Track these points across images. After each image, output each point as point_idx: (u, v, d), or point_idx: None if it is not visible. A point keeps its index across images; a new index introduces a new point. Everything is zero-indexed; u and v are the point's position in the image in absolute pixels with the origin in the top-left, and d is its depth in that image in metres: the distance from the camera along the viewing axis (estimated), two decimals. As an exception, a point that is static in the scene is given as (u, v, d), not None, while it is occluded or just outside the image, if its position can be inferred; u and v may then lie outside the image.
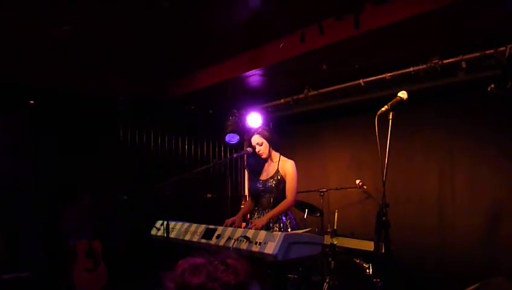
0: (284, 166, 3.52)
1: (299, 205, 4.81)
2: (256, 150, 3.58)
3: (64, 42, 4.13)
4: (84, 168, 5.18)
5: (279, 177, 3.51)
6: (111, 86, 5.36)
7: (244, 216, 3.78)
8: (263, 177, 3.60)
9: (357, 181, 5.02)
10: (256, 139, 3.60)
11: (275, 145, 3.62)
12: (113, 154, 5.54)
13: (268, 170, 3.59)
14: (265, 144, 3.57)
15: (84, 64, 4.90)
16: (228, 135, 5.68)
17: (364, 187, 5.01)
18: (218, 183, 6.34)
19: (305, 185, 5.44)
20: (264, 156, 3.58)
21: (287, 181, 3.49)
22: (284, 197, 3.47)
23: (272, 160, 3.62)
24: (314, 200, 4.98)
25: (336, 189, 5.00)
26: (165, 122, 5.94)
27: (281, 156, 3.60)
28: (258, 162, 3.66)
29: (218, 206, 6.04)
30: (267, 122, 5.87)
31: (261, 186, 3.59)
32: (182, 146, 6.20)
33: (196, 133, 6.27)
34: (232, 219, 3.62)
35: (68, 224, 4.91)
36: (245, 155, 3.81)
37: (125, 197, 5.34)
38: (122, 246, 5.29)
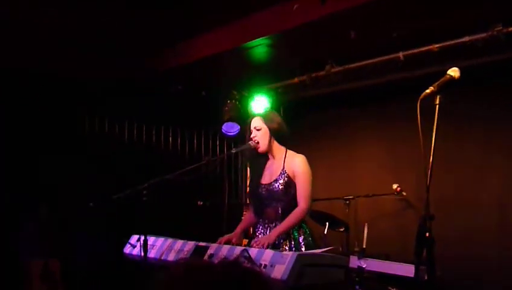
0: (292, 163, 3.48)
1: (318, 216, 4.82)
2: (252, 135, 3.56)
3: (19, 12, 4.17)
4: (39, 168, 5.20)
5: (286, 178, 3.46)
6: (75, 65, 5.36)
7: (247, 231, 3.77)
8: (265, 180, 3.56)
9: (394, 186, 5.01)
10: (256, 122, 3.56)
11: (279, 136, 3.56)
12: (77, 151, 5.57)
13: (272, 170, 3.55)
14: (265, 130, 3.52)
15: (42, 38, 4.91)
16: (226, 124, 5.72)
17: (403, 193, 5.00)
18: (213, 187, 6.36)
19: (326, 190, 5.43)
20: (259, 147, 3.54)
21: (297, 183, 3.44)
22: (295, 206, 3.45)
23: (273, 156, 3.56)
24: (337, 210, 5.00)
25: (366, 196, 5.01)
26: (143, 108, 5.96)
27: (288, 151, 3.57)
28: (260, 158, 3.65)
29: (212, 217, 6.04)
30: (276, 108, 5.86)
31: (264, 192, 3.56)
32: (165, 139, 6.23)
33: (184, 122, 6.28)
34: (227, 236, 3.58)
35: (20, 240, 4.95)
36: (247, 150, 3.80)
37: (91, 205, 5.36)
38: (86, 267, 5.32)
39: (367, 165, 5.68)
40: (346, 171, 5.82)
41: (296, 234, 3.47)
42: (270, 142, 3.54)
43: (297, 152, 3.60)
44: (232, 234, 3.62)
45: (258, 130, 3.54)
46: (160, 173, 3.47)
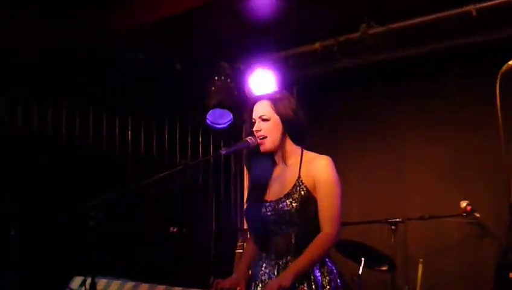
0: (312, 168, 3.42)
1: (349, 248, 4.83)
2: (255, 127, 3.52)
3: None
4: None
5: (303, 192, 3.40)
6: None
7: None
8: (272, 195, 3.50)
9: (462, 204, 4.97)
10: (261, 108, 3.50)
11: (295, 131, 3.56)
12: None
13: (282, 181, 3.53)
14: (275, 121, 3.48)
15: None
16: (212, 111, 5.74)
17: (476, 215, 4.97)
18: (193, 205, 6.37)
19: (361, 211, 5.50)
20: (265, 144, 3.52)
21: (319, 197, 3.42)
22: (317, 231, 3.46)
23: (284, 160, 3.53)
24: (378, 239, 5.02)
25: (421, 219, 4.99)
26: (89, 90, 5.94)
27: (305, 151, 3.56)
28: (265, 161, 3.64)
29: (192, 249, 6.04)
30: (288, 87, 5.76)
31: (269, 212, 3.52)
32: (121, 133, 6.21)
33: (149, 109, 6.29)
34: (231, 279, 3.58)
35: None
36: (244, 150, 3.79)
37: (12, 234, 5.37)
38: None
39: (421, 173, 5.68)
40: (391, 182, 5.82)
41: (318, 273, 3.47)
42: (282, 139, 3.52)
43: (310, 151, 3.59)
44: (237, 274, 3.61)
45: (264, 120, 3.50)
46: (116, 183, 3.48)
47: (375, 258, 4.86)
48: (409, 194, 5.69)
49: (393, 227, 4.98)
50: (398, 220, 4.99)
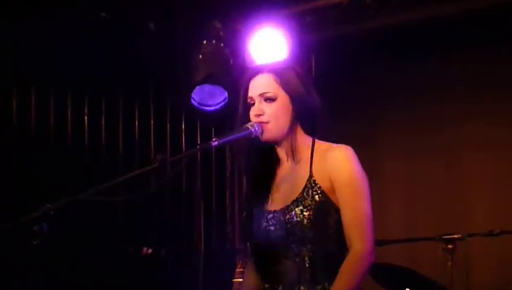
0: (327, 162, 3.41)
1: (388, 274, 4.86)
2: (255, 110, 3.44)
3: None
4: None
5: (317, 196, 3.38)
6: None
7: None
8: (277, 202, 3.50)
9: (545, 215, 4.94)
10: (262, 83, 3.49)
11: (309, 117, 3.51)
12: None
13: (290, 182, 3.50)
14: (283, 102, 3.43)
15: None
16: (199, 87, 5.69)
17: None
18: (174, 217, 6.33)
19: (408, 224, 5.49)
20: (268, 132, 3.44)
21: (340, 202, 3.38)
22: (339, 251, 3.42)
23: (293, 154, 3.51)
24: (430, 263, 5.03)
25: (489, 235, 4.89)
26: (32, 59, 5.89)
27: (317, 141, 3.51)
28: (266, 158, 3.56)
29: (174, 277, 5.99)
30: (302, 54, 5.82)
31: (273, 225, 3.48)
32: (76, 119, 6.14)
33: (115, 86, 6.27)
34: None
35: None
36: (243, 141, 3.67)
37: None
38: None
39: (486, 175, 5.69)
40: (447, 187, 5.81)
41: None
42: (291, 126, 3.47)
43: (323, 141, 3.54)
44: None
45: (268, 100, 3.45)
46: (68, 187, 3.36)
47: (425, 287, 4.90)
48: (470, 202, 5.69)
49: (449, 246, 4.93)
50: (456, 236, 4.93)
